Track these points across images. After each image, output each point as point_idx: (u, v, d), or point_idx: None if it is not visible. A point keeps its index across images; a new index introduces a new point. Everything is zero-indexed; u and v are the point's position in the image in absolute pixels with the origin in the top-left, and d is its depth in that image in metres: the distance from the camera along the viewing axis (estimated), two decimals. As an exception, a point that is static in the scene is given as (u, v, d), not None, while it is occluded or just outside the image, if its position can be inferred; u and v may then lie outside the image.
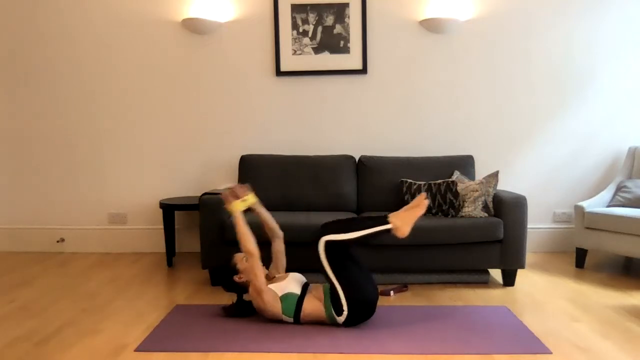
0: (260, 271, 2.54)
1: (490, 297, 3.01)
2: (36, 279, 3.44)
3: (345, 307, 2.46)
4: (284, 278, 2.66)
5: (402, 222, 2.47)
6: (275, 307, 2.53)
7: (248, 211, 2.73)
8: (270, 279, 2.73)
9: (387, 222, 2.47)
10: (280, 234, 2.90)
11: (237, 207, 2.61)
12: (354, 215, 3.36)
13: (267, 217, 2.87)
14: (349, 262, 2.53)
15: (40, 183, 4.24)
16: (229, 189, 2.68)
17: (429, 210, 3.37)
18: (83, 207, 4.24)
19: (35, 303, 2.95)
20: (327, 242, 2.48)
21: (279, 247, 2.89)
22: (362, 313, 2.49)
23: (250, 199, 2.69)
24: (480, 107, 4.06)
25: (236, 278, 2.65)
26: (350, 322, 2.51)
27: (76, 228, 4.24)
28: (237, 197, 2.66)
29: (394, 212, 2.53)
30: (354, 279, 2.49)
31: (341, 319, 2.49)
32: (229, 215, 2.63)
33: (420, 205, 2.50)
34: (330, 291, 2.51)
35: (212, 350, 2.27)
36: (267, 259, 3.00)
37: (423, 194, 2.54)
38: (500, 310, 2.75)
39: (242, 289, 2.69)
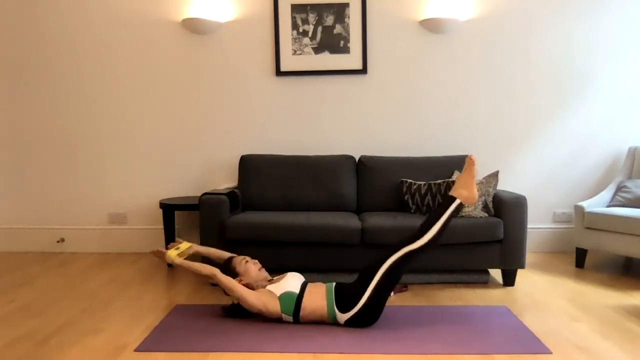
0: (230, 283, 2.57)
1: (490, 297, 3.01)
2: (36, 279, 3.44)
3: (358, 307, 2.46)
4: (282, 277, 2.67)
5: (467, 189, 2.47)
6: (271, 306, 2.53)
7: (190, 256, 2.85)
8: (270, 280, 2.74)
9: (454, 199, 2.47)
10: (229, 254, 2.89)
11: (172, 256, 2.70)
12: (355, 214, 3.37)
13: (208, 250, 2.92)
14: (402, 275, 2.53)
15: (40, 183, 4.24)
16: (156, 250, 2.76)
17: (429, 210, 3.37)
18: (83, 207, 4.24)
19: (35, 303, 2.95)
20: (407, 253, 2.45)
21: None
22: (370, 318, 2.50)
23: (182, 246, 2.79)
24: (480, 107, 4.06)
25: (237, 281, 2.65)
26: (354, 323, 2.50)
27: (76, 228, 4.24)
28: (167, 249, 2.75)
29: (453, 187, 2.52)
30: (388, 290, 2.49)
31: (345, 317, 2.49)
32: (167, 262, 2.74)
33: (470, 165, 2.50)
34: (344, 288, 2.52)
35: (212, 350, 2.27)
36: (266, 259, 3.01)
37: (469, 155, 2.52)
38: (500, 310, 2.75)
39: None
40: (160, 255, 2.73)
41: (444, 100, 4.06)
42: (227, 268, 2.70)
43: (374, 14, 4.00)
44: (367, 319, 2.49)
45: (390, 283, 2.47)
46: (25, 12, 4.12)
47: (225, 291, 2.64)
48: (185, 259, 2.73)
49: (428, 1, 3.97)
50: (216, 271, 2.60)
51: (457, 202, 2.47)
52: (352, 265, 3.15)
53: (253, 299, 2.54)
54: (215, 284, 3.22)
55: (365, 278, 2.48)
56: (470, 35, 4.00)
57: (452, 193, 2.50)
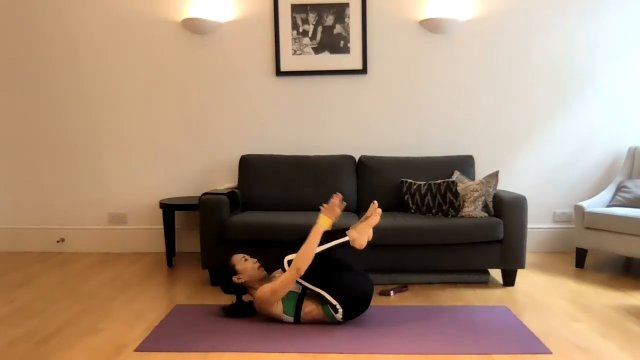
0: (291, 285, 2.51)
1: (490, 297, 3.01)
2: (36, 279, 3.44)
3: (338, 306, 2.49)
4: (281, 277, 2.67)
5: (359, 234, 2.55)
6: (276, 307, 2.54)
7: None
8: (271, 279, 2.74)
9: (344, 235, 2.55)
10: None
11: (327, 224, 2.55)
12: (355, 214, 3.36)
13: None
14: (322, 268, 2.54)
15: (40, 183, 4.24)
16: (338, 204, 2.58)
17: (429, 210, 3.37)
18: (83, 207, 4.24)
19: (35, 303, 2.95)
20: (289, 262, 2.50)
21: None
22: (356, 307, 2.52)
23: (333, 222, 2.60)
24: (480, 107, 4.05)
25: (235, 279, 2.65)
26: (349, 316, 2.53)
27: (76, 228, 4.24)
28: (336, 216, 2.58)
29: (354, 224, 2.60)
30: (334, 281, 2.51)
31: (339, 316, 2.51)
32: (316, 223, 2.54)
33: (373, 214, 2.58)
34: (319, 294, 2.53)
35: (212, 350, 2.27)
36: (265, 260, 3.00)
37: (374, 203, 2.60)
38: (500, 310, 2.75)
39: (241, 289, 2.69)
40: (332, 210, 2.54)
41: (444, 100, 4.06)
42: (227, 266, 2.69)
43: (374, 14, 4.00)
44: (355, 309, 2.52)
45: (317, 279, 2.49)
46: (26, 12, 4.12)
47: (227, 286, 2.66)
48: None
49: (428, 1, 3.97)
50: (304, 269, 2.47)
51: (346, 239, 2.54)
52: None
53: (279, 296, 2.52)
54: (216, 282, 3.22)
55: (307, 288, 2.52)
56: (470, 35, 4.00)
57: (349, 230, 2.56)
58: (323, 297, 2.51)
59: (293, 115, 4.10)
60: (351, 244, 2.55)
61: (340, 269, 2.60)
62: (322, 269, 2.54)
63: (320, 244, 2.52)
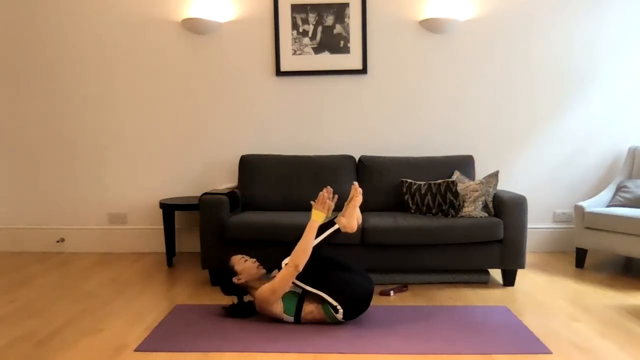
0: (289, 284, 2.51)
1: (490, 297, 3.01)
2: (36, 279, 3.44)
3: (338, 306, 2.49)
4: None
5: (347, 218, 2.60)
6: (278, 307, 2.53)
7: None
8: (272, 279, 2.73)
9: (333, 224, 2.60)
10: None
11: (320, 218, 2.55)
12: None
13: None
14: (321, 268, 2.55)
15: (40, 183, 4.24)
16: (331, 196, 2.59)
17: (429, 210, 3.37)
18: (83, 207, 4.24)
19: (35, 303, 2.95)
20: (286, 264, 2.51)
21: None
22: (357, 307, 2.52)
23: (328, 215, 2.61)
24: (480, 107, 4.06)
25: (235, 280, 2.65)
26: (350, 316, 2.53)
27: (76, 228, 4.24)
28: (329, 210, 2.59)
29: (341, 212, 2.65)
30: (334, 281, 2.52)
31: (339, 316, 2.51)
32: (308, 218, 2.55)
33: (354, 196, 2.62)
34: (319, 295, 2.53)
35: (212, 350, 2.27)
36: (265, 260, 3.00)
37: (355, 183, 2.64)
38: (500, 310, 2.75)
39: (241, 290, 2.69)
40: (323, 204, 2.55)
41: (444, 100, 4.06)
42: (226, 267, 2.69)
43: (374, 14, 4.00)
44: (355, 309, 2.52)
45: (315, 280, 2.50)
46: (26, 13, 4.12)
47: (227, 286, 2.66)
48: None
49: (428, 1, 3.97)
50: (300, 265, 2.47)
51: (335, 227, 2.59)
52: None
53: (278, 296, 2.53)
54: (216, 282, 3.22)
55: (302, 289, 2.54)
56: (470, 35, 4.00)
57: (337, 218, 2.61)
58: (323, 297, 2.51)
59: (293, 115, 4.10)
60: (342, 230, 2.59)
61: (339, 269, 2.60)
62: (319, 270, 2.55)
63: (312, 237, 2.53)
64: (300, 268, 2.47)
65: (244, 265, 2.67)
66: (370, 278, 2.64)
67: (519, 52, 4.00)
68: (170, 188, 4.19)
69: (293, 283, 2.53)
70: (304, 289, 2.58)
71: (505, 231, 3.14)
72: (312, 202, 2.61)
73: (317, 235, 2.57)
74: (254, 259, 2.74)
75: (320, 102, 4.09)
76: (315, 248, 2.54)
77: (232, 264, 2.69)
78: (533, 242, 4.11)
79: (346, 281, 2.53)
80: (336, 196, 2.67)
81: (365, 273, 2.67)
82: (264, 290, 2.54)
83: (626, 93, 4.01)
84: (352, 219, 2.60)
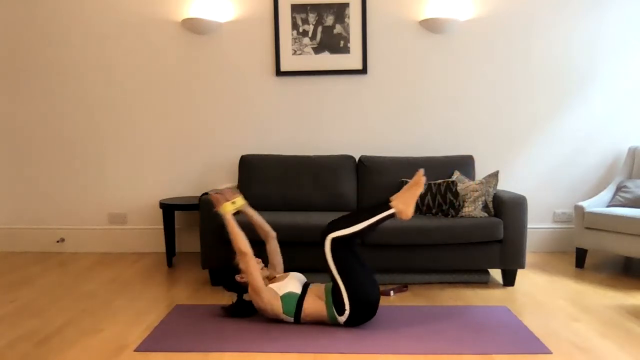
0: (256, 270, 2.54)
1: (490, 297, 3.01)
2: (36, 279, 3.44)
3: (347, 307, 2.46)
4: (284, 277, 2.67)
5: (404, 204, 2.48)
6: (275, 306, 2.53)
7: (238, 214, 2.77)
8: (271, 279, 2.74)
9: (389, 207, 2.48)
10: (273, 233, 2.91)
11: (227, 209, 2.65)
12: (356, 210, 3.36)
13: (258, 219, 2.90)
14: (354, 261, 2.52)
15: (40, 183, 4.24)
16: (218, 191, 2.71)
17: (429, 210, 3.37)
18: (83, 207, 4.24)
19: (35, 303, 2.95)
20: (334, 240, 2.47)
21: (273, 246, 2.91)
22: (364, 313, 2.49)
23: (239, 201, 2.74)
24: (480, 107, 4.06)
25: (238, 277, 2.66)
26: (352, 322, 2.50)
27: (76, 228, 4.24)
28: (226, 200, 2.70)
29: (395, 195, 2.53)
30: (358, 278, 2.49)
31: (342, 319, 2.49)
32: (219, 217, 2.66)
33: (418, 183, 2.50)
34: (333, 290, 2.51)
35: (212, 350, 2.27)
36: (267, 260, 3.00)
37: (420, 170, 2.53)
38: (500, 310, 2.75)
39: (243, 288, 2.69)
40: (216, 202, 2.66)
41: (444, 100, 4.06)
42: (230, 264, 2.69)
43: (374, 14, 4.00)
44: (361, 315, 2.49)
45: (348, 268, 2.47)
46: (26, 12, 4.12)
47: (230, 284, 2.67)
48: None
49: (428, 1, 3.97)
50: (250, 251, 2.55)
51: (391, 211, 2.48)
52: (352, 265, 3.15)
53: (266, 293, 2.53)
54: (216, 282, 3.23)
55: (331, 276, 2.51)
56: (470, 35, 4.00)
57: (392, 201, 2.50)
58: (336, 293, 2.48)
59: (293, 115, 4.10)
60: (397, 216, 2.48)
61: (363, 265, 2.55)
62: (354, 258, 2.51)
63: (366, 218, 2.47)
64: (245, 249, 2.53)
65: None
66: (377, 284, 2.58)
67: (519, 52, 4.00)
68: (170, 188, 4.19)
69: (328, 266, 2.48)
70: (304, 288, 2.58)
71: (505, 231, 3.14)
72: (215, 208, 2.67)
73: (370, 217, 2.48)
74: (259, 260, 2.74)
75: (320, 102, 4.09)
76: (366, 230, 2.47)
77: (235, 261, 2.69)
78: (533, 242, 4.11)
79: (364, 282, 2.49)
80: (229, 185, 2.69)
81: (377, 282, 2.60)
82: (252, 296, 2.56)
83: (626, 93, 4.01)
84: (410, 207, 2.47)
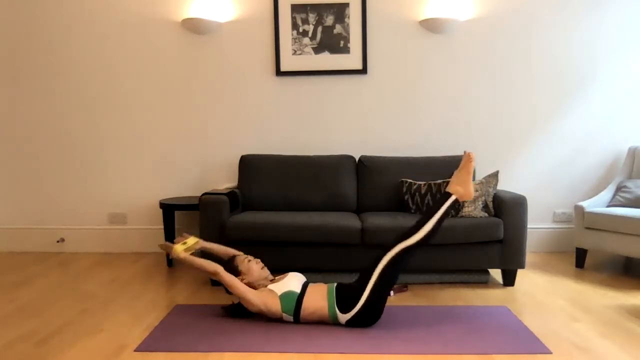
0: (233, 280, 2.56)
1: (490, 297, 3.01)
2: (36, 279, 3.44)
3: (358, 307, 2.46)
4: (283, 277, 2.67)
5: (461, 185, 2.49)
6: (273, 305, 2.53)
7: (193, 253, 2.77)
8: (271, 279, 2.74)
9: (449, 195, 2.49)
10: (239, 252, 2.87)
11: (178, 251, 2.67)
12: (355, 214, 3.36)
13: (218, 247, 2.92)
14: (398, 275, 2.53)
15: (40, 183, 4.24)
16: (166, 245, 2.76)
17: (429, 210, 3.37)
18: (83, 207, 4.24)
19: (35, 303, 2.95)
20: (403, 249, 2.45)
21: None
22: (370, 318, 2.49)
23: (190, 241, 2.77)
24: (480, 107, 4.06)
25: (238, 279, 2.66)
26: (354, 323, 2.50)
27: (76, 228, 4.24)
28: (177, 242, 2.74)
29: (450, 181, 2.53)
30: (386, 290, 2.49)
31: (346, 317, 2.49)
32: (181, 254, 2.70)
33: (468, 161, 2.51)
34: (346, 288, 2.51)
35: (212, 350, 2.27)
36: (267, 259, 3.00)
37: (466, 151, 2.54)
38: (500, 310, 2.75)
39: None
40: (167, 249, 2.73)
41: (444, 100, 4.06)
42: (230, 266, 2.70)
43: (374, 14, 4.00)
44: (367, 319, 2.49)
45: (388, 281, 2.47)
46: (26, 12, 4.12)
47: (227, 289, 2.64)
48: (191, 254, 2.72)
49: (428, 1, 3.97)
50: (219, 269, 2.59)
51: (453, 198, 2.49)
52: (352, 265, 3.15)
53: (254, 297, 2.54)
54: (217, 282, 3.23)
55: (364, 278, 2.49)
56: (470, 35, 4.00)
57: (448, 189, 2.52)
58: (347, 292, 2.48)
59: (293, 115, 4.10)
60: (460, 200, 2.49)
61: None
62: (402, 268, 2.51)
63: (429, 218, 2.45)
64: (214, 270, 2.56)
65: (248, 265, 2.68)
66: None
67: (519, 52, 4.00)
68: (170, 188, 4.19)
69: (370, 270, 2.46)
70: (303, 288, 2.58)
71: (505, 231, 3.14)
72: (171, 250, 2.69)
73: (434, 213, 2.47)
74: (258, 260, 2.74)
75: (320, 102, 4.09)
76: (436, 227, 2.45)
77: (236, 263, 2.69)
78: (533, 242, 4.11)
79: (386, 294, 2.49)
80: (184, 236, 2.78)
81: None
82: (248, 304, 2.56)
83: (626, 93, 4.01)
84: (468, 185, 2.47)
